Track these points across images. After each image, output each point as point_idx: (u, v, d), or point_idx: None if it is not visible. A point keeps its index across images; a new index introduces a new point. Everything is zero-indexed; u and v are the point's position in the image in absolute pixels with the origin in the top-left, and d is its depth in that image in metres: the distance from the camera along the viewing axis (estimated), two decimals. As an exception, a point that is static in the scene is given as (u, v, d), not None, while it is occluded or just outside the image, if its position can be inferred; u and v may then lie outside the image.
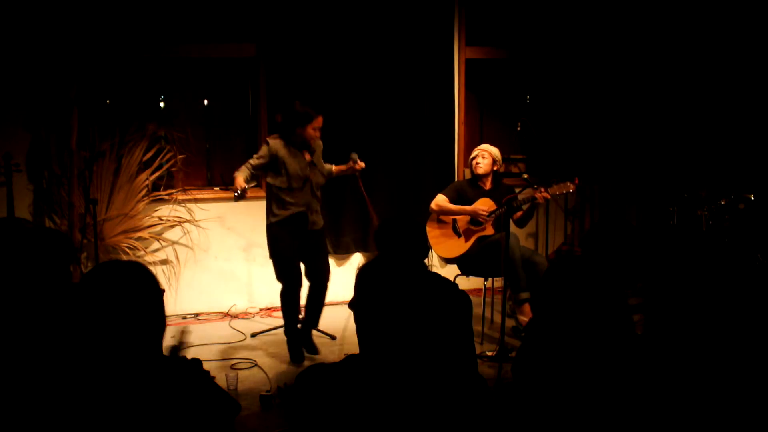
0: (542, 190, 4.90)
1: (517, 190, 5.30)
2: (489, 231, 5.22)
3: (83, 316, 1.91)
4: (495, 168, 5.32)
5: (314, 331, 5.08)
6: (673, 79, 6.61)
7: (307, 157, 4.75)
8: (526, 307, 5.09)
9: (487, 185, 5.32)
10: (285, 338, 4.95)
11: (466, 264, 5.28)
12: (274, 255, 4.80)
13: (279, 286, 6.14)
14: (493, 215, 5.16)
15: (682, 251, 5.36)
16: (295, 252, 4.79)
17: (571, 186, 4.89)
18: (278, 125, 4.79)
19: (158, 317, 1.96)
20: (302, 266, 4.92)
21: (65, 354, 2.34)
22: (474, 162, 5.31)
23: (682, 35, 6.55)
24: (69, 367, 1.91)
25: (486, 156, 5.29)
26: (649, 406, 1.94)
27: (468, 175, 5.47)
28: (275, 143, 4.69)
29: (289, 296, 4.83)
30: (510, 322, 5.15)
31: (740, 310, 2.31)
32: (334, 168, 5.09)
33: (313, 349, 4.94)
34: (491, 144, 5.42)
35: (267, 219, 4.81)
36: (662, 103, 6.65)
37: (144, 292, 1.94)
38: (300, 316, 4.97)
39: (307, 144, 4.72)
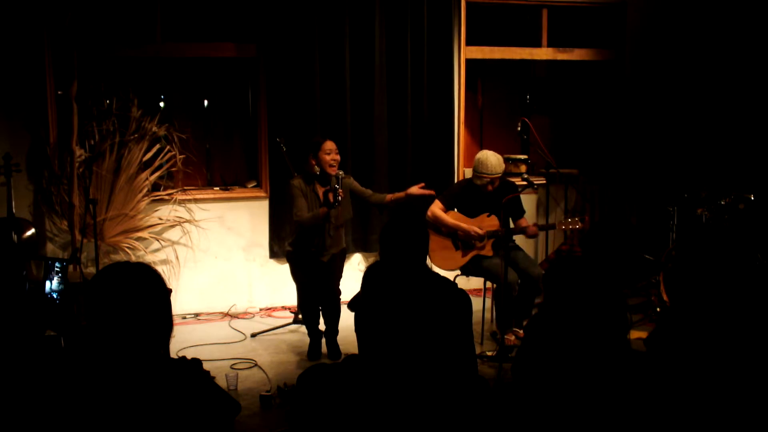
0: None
1: (519, 184, 5.30)
2: (487, 251, 5.03)
3: (92, 316, 1.93)
4: None
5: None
6: (673, 79, 6.61)
7: (322, 196, 4.75)
8: (510, 335, 5.00)
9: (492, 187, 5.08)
10: (285, 338, 5.23)
11: (464, 271, 5.25)
12: (293, 277, 5.02)
13: (278, 286, 6.18)
14: (491, 239, 4.97)
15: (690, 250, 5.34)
16: (310, 278, 4.89)
17: (580, 224, 4.92)
18: (298, 167, 4.95)
19: (165, 317, 1.98)
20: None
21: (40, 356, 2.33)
22: (487, 187, 4.98)
23: (681, 34, 6.55)
24: (70, 367, 1.91)
25: (498, 179, 5.00)
26: (648, 405, 1.94)
27: (468, 175, 5.44)
28: (296, 181, 4.81)
29: (304, 310, 5.05)
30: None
31: (740, 310, 2.31)
32: (387, 197, 4.92)
33: (336, 355, 4.93)
34: (491, 146, 5.33)
35: (287, 242, 5.04)
36: (662, 103, 6.65)
37: (151, 292, 1.96)
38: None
39: (324, 176, 4.74)
